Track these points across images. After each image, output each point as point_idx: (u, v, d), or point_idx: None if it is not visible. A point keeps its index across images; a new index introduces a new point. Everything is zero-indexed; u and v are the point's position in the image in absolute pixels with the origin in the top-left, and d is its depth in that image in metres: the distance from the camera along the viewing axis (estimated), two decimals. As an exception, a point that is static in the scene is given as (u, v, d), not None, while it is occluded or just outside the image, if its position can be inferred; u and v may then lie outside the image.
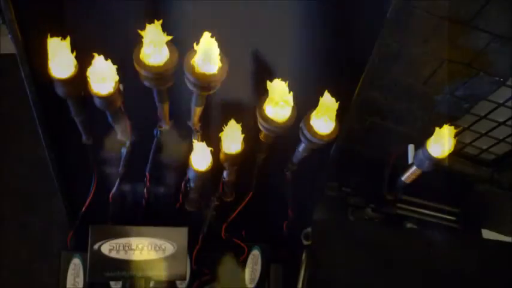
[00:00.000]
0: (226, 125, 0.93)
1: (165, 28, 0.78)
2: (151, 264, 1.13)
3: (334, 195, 1.35)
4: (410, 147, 1.11)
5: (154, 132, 1.01)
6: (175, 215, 1.24)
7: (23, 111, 1.60)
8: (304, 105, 0.93)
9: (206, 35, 0.79)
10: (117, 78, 0.83)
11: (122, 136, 1.00)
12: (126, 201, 1.17)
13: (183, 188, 1.14)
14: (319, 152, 1.03)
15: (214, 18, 0.87)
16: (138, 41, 0.79)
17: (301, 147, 1.00)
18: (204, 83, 0.82)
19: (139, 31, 0.78)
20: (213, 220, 1.22)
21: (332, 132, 0.93)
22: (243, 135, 0.94)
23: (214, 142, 0.96)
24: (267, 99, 0.89)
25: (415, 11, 0.98)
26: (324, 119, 0.92)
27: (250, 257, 1.37)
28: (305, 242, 1.29)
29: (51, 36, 0.79)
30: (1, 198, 1.50)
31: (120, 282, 1.13)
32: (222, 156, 0.97)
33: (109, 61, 0.80)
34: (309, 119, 0.94)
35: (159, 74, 0.81)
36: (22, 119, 1.61)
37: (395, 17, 0.89)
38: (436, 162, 1.01)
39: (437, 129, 0.99)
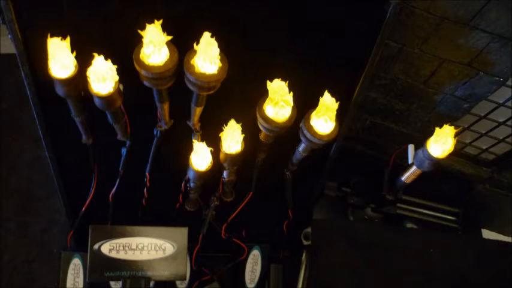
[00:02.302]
0: (226, 125, 0.93)
1: (165, 28, 0.78)
2: (151, 264, 1.13)
3: (334, 195, 1.35)
4: (411, 147, 1.11)
5: (154, 132, 1.01)
6: (175, 215, 1.24)
7: (23, 111, 1.61)
8: (304, 105, 0.93)
9: (206, 35, 0.79)
10: (117, 78, 0.83)
11: (121, 136, 1.00)
12: (126, 201, 1.17)
13: (183, 188, 1.14)
14: (319, 152, 1.03)
15: (214, 18, 0.87)
16: (138, 41, 0.79)
17: (301, 147, 1.00)
18: (204, 83, 0.82)
19: (139, 31, 0.78)
20: (213, 220, 1.22)
21: (332, 132, 0.93)
22: (243, 135, 0.95)
23: (214, 142, 0.96)
24: (267, 99, 0.89)
25: (415, 11, 0.98)
26: (324, 119, 0.92)
27: (250, 257, 1.37)
28: (305, 242, 1.29)
29: (51, 36, 0.79)
30: (1, 198, 1.50)
31: (120, 282, 1.13)
32: (222, 156, 0.97)
33: (109, 61, 0.80)
34: (309, 119, 0.94)
35: (158, 74, 0.81)
36: (22, 119, 1.62)
37: (395, 17, 0.89)
38: (436, 162, 1.01)
39: (437, 129, 0.99)
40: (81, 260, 1.25)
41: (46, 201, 1.50)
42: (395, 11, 0.88)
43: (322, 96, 0.90)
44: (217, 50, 0.80)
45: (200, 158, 0.97)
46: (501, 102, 1.17)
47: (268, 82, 0.87)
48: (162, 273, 1.13)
